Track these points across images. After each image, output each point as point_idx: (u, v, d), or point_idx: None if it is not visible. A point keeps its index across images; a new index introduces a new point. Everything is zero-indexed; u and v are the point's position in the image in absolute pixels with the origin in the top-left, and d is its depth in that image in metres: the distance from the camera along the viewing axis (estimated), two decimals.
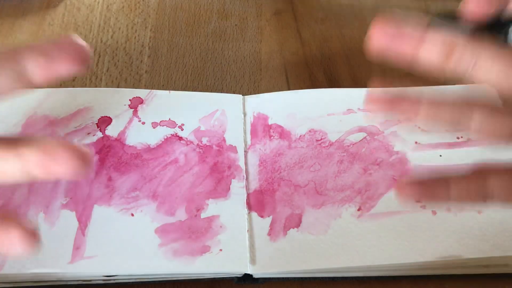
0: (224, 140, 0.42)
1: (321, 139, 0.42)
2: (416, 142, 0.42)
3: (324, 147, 0.42)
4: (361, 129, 0.43)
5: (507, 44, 0.31)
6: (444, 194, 0.29)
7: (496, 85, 0.28)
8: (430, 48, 0.29)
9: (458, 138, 0.42)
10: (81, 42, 0.28)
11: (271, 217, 0.38)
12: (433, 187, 0.30)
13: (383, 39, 0.29)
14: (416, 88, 0.30)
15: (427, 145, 0.42)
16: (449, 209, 0.38)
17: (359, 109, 0.44)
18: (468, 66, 0.29)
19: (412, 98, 0.30)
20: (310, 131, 0.43)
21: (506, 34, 0.32)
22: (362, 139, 0.42)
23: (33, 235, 0.26)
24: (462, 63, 0.29)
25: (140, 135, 0.42)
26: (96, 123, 0.42)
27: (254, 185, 0.40)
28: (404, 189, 0.30)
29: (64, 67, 0.28)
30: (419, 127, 0.42)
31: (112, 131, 0.42)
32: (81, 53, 0.28)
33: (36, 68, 0.28)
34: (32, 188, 0.38)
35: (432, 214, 0.38)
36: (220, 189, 0.40)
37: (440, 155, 0.41)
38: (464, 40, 0.29)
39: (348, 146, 0.42)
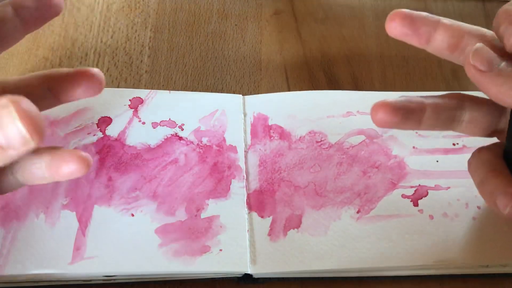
0: (224, 140, 0.42)
1: (321, 140, 0.42)
2: (414, 147, 0.42)
3: (324, 148, 0.42)
4: (360, 132, 0.43)
5: None
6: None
7: None
8: (441, 34, 0.32)
9: (454, 144, 0.42)
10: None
11: (271, 217, 0.39)
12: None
13: (401, 22, 0.32)
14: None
15: (424, 150, 0.42)
16: (446, 214, 0.39)
17: (358, 111, 0.44)
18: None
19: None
20: (310, 132, 0.43)
21: None
22: (361, 142, 0.42)
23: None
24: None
25: (140, 135, 0.42)
26: (96, 123, 0.42)
27: (254, 185, 0.40)
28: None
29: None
30: (416, 132, 0.43)
31: (112, 131, 0.42)
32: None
33: None
34: (33, 189, 0.38)
35: (430, 218, 0.39)
36: (220, 189, 0.40)
37: (437, 161, 0.41)
38: (474, 29, 0.32)
39: (347, 148, 0.42)
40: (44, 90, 0.33)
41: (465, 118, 0.34)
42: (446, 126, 0.34)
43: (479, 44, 0.31)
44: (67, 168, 0.29)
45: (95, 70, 0.33)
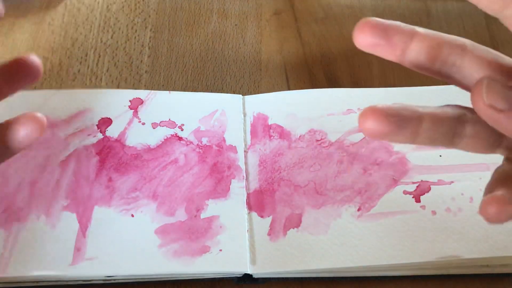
0: (224, 140, 0.42)
1: (321, 139, 0.42)
2: None
3: (324, 147, 0.42)
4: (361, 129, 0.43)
5: None
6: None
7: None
8: (418, 44, 0.28)
9: None
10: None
11: (271, 217, 0.39)
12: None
13: (371, 31, 0.27)
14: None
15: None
16: (449, 209, 0.39)
17: (359, 109, 0.44)
18: (453, 67, 0.28)
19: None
20: (310, 131, 0.43)
21: None
22: (362, 139, 0.42)
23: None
24: (448, 63, 0.28)
25: (140, 135, 0.42)
26: (97, 125, 0.42)
27: (254, 185, 0.40)
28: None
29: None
30: None
31: (112, 132, 0.42)
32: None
33: None
34: (33, 190, 0.38)
35: (432, 214, 0.38)
36: (220, 189, 0.40)
37: (440, 155, 0.41)
38: (453, 39, 0.28)
39: (348, 146, 0.42)
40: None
41: (467, 132, 0.29)
42: (445, 141, 0.29)
43: (486, 78, 0.26)
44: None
45: (32, 56, 0.29)
